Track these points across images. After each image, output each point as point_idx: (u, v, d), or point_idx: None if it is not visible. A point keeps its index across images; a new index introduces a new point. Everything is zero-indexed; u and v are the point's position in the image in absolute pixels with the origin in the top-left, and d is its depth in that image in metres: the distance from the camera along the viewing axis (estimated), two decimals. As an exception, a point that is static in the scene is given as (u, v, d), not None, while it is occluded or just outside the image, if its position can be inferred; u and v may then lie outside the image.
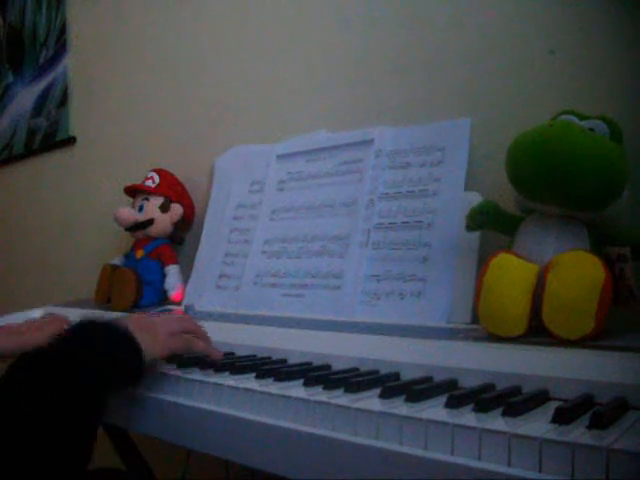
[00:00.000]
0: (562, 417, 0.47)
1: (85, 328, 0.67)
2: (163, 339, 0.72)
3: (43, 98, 1.98)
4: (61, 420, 0.57)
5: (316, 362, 0.75)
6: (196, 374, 0.70)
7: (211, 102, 1.44)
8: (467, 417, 0.49)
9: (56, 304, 1.35)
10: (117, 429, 1.17)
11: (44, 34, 1.98)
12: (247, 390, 0.61)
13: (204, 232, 1.25)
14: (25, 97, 2.07)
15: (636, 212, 0.77)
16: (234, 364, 0.71)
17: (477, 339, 0.71)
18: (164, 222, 1.33)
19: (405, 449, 0.47)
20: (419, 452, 0.46)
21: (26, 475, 0.54)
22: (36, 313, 1.23)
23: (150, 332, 0.71)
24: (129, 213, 1.33)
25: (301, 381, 0.63)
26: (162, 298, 1.28)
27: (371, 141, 1.03)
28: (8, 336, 0.84)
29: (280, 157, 1.17)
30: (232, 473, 1.16)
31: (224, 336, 0.89)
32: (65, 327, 0.93)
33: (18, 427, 0.54)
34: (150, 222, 1.32)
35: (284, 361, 0.77)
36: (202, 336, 0.80)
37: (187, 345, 0.76)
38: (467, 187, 0.91)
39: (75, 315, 1.22)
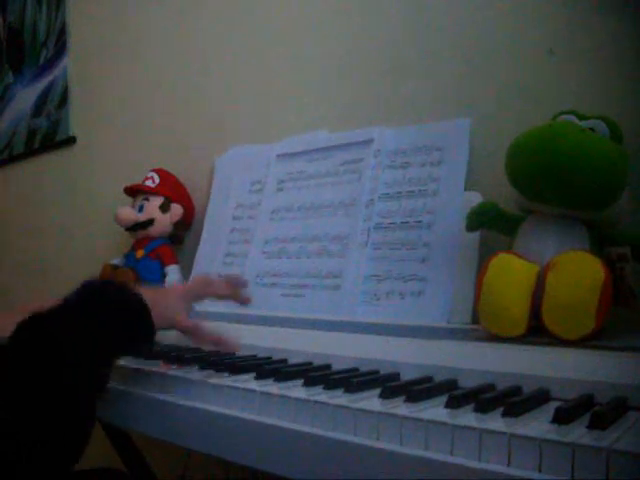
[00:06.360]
0: (562, 417, 0.46)
1: (96, 289, 0.68)
2: (175, 308, 0.73)
3: (43, 98, 1.98)
4: (65, 385, 0.57)
5: (316, 362, 0.74)
6: (196, 374, 0.70)
7: (211, 102, 1.44)
8: (467, 417, 0.48)
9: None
10: (117, 429, 1.17)
11: (44, 34, 1.98)
12: (247, 390, 0.61)
13: (204, 232, 1.25)
14: (25, 97, 2.07)
15: (636, 212, 0.77)
16: (234, 364, 0.71)
17: (477, 339, 0.71)
18: (164, 222, 1.33)
19: (405, 449, 0.47)
20: (419, 452, 0.46)
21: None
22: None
23: (163, 300, 0.72)
24: (129, 213, 1.33)
25: (301, 381, 0.63)
26: (162, 298, 1.28)
27: (371, 141, 1.03)
28: None
29: (280, 157, 1.17)
30: (232, 473, 1.16)
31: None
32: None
33: (21, 389, 0.55)
34: (150, 222, 1.32)
35: (284, 361, 0.77)
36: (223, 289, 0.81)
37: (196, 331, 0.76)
38: (467, 187, 0.91)
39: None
